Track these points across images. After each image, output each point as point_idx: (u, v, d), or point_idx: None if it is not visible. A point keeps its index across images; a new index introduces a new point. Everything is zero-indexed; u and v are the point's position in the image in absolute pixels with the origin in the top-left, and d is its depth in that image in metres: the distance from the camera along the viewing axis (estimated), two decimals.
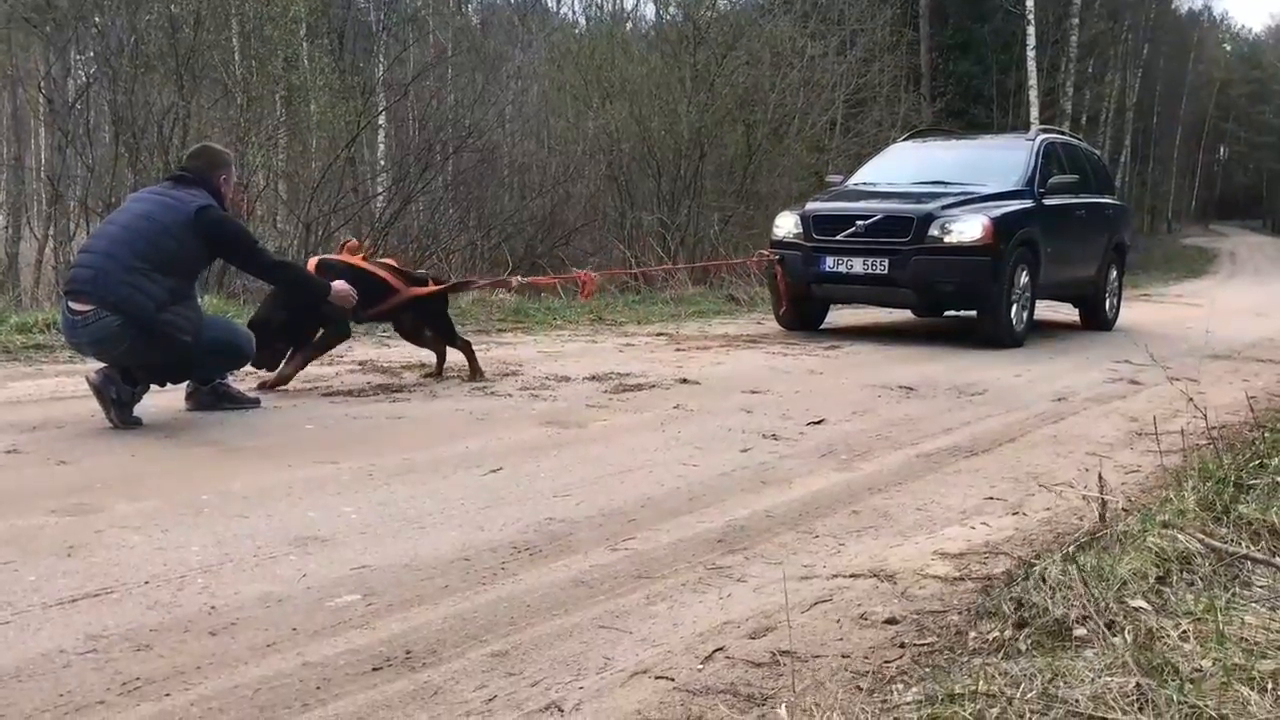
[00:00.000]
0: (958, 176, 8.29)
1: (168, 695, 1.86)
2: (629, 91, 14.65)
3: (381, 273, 4.98)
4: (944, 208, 7.53)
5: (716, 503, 3.22)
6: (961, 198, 7.72)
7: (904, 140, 10.19)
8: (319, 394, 4.76)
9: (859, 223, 7.54)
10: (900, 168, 8.97)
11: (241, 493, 3.10)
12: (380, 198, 13.15)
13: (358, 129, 12.67)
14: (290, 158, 13.54)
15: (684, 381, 5.42)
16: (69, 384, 4.69)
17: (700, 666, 2.07)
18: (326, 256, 4.99)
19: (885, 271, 7.43)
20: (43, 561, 2.47)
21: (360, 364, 5.67)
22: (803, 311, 8.38)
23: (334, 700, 1.87)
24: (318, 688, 1.92)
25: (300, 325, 4.72)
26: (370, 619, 2.24)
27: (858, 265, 7.53)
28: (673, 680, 2.01)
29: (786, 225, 8.11)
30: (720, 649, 2.16)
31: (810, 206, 8.13)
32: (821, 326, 8.60)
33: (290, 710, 1.83)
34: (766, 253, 8.31)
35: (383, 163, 15.41)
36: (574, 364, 5.96)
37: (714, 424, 4.36)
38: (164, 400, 4.31)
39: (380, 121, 15.19)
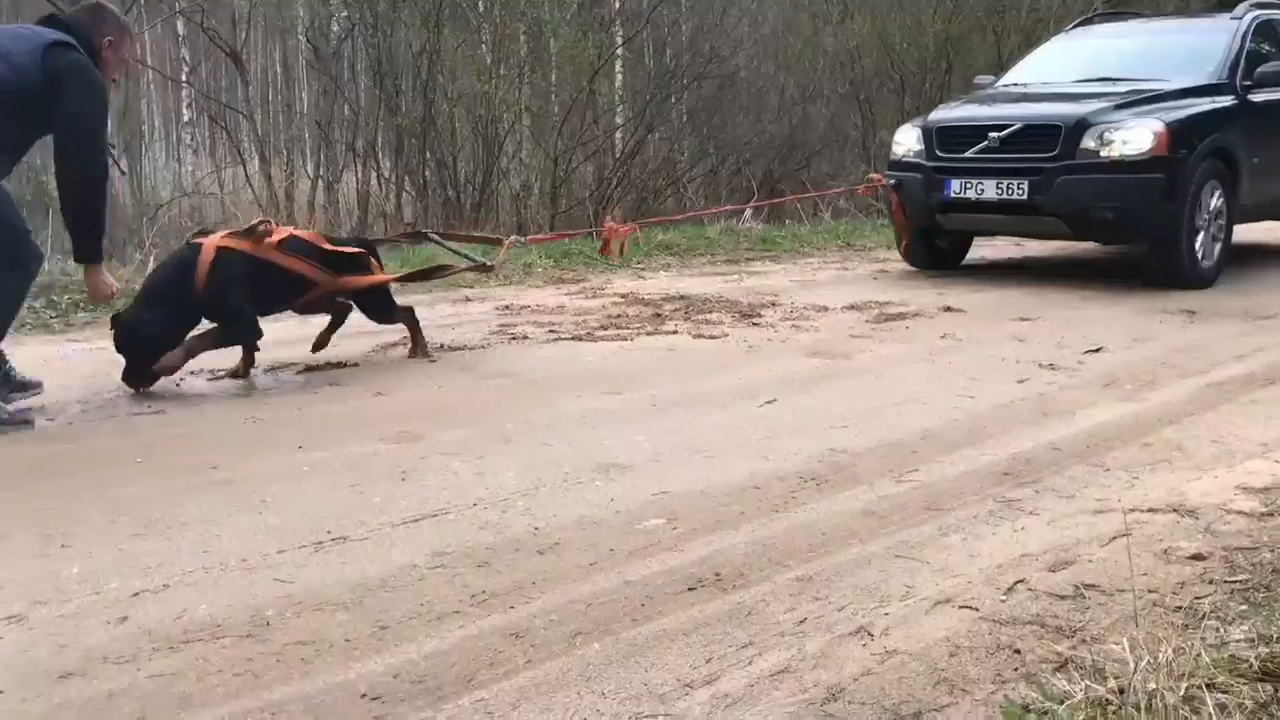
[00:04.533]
0: (1134, 71, 6.63)
1: (512, 607, 2.07)
2: (870, 3, 14.22)
3: (295, 264, 3.97)
4: (1104, 111, 6.00)
5: (998, 435, 3.20)
6: (1131, 98, 6.14)
7: (1072, 28, 8.19)
8: (592, 325, 4.99)
9: (992, 135, 6.16)
10: (1064, 63, 7.27)
11: (541, 422, 3.34)
12: (619, 130, 13.40)
13: (599, 62, 12.90)
14: (534, 93, 13.96)
15: (948, 309, 5.34)
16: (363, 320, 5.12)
17: (1003, 598, 2.11)
18: (224, 240, 3.82)
19: (1024, 196, 6.00)
20: (381, 485, 2.76)
21: (622, 296, 5.88)
22: (932, 246, 7.01)
23: (659, 616, 2.03)
24: (642, 604, 2.09)
25: (175, 326, 3.75)
26: (678, 542, 2.39)
27: (990, 189, 6.12)
28: (977, 610, 2.06)
29: (907, 141, 6.72)
30: (1021, 581, 2.19)
31: (935, 116, 6.77)
32: (965, 262, 7.28)
33: (621, 624, 2.00)
34: (877, 177, 7.02)
35: (620, 94, 15.66)
36: (830, 293, 5.97)
37: (985, 353, 4.30)
38: (468, 335, 4.65)
39: (617, 53, 15.40)
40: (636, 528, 2.47)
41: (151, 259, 6.58)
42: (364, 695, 1.75)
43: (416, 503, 2.62)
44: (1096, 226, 6.11)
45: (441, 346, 4.48)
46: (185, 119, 23.87)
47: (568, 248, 7.45)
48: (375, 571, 2.22)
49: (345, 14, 12.84)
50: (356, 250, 4.24)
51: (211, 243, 3.78)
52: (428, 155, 11.46)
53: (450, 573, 2.22)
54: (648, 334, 4.76)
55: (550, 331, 4.82)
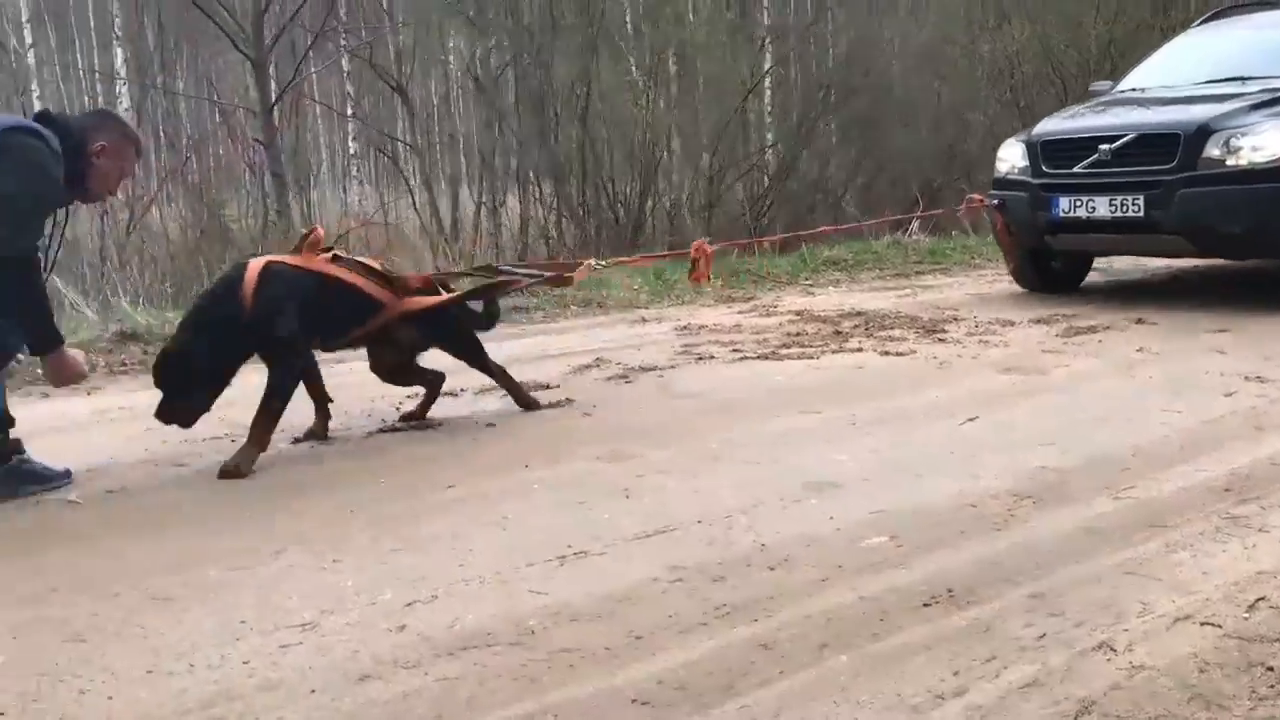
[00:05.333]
0: (1270, 69, 5.93)
1: (755, 620, 2.18)
2: (1028, 7, 13.93)
3: (357, 279, 3.59)
4: (1230, 115, 5.43)
5: (1211, 451, 3.16)
6: (1264, 98, 5.54)
7: (1201, 22, 7.32)
8: (774, 344, 5.08)
9: (1103, 147, 5.63)
10: (1190, 62, 6.59)
11: (744, 441, 3.45)
12: (770, 148, 13.48)
13: (752, 81, 13.02)
14: (685, 114, 14.16)
15: (1139, 322, 5.24)
16: (556, 342, 5.35)
17: (1246, 615, 2.11)
18: (275, 258, 3.50)
19: (1141, 213, 5.47)
20: (606, 502, 2.92)
21: (797, 314, 5.96)
22: (1044, 266, 6.44)
23: (898, 631, 2.11)
24: (880, 619, 2.17)
25: (225, 362, 3.39)
26: (904, 559, 2.46)
27: (1102, 206, 5.60)
28: (1220, 627, 2.07)
29: (1010, 157, 6.23)
30: (1262, 598, 2.18)
31: (1041, 129, 6.24)
32: (1084, 284, 6.69)
33: (861, 638, 2.09)
34: (978, 197, 6.38)
35: (770, 110, 15.74)
36: (1012, 306, 5.93)
37: (1186, 366, 4.22)
38: (655, 356, 4.81)
39: (766, 69, 15.48)
40: (860, 545, 2.56)
41: None
42: (634, 700, 1.89)
43: (642, 520, 2.76)
44: (1224, 243, 5.60)
45: (636, 368, 4.64)
46: (351, 151, 25.03)
47: (734, 265, 7.56)
48: (619, 585, 2.37)
49: (506, 42, 13.30)
50: (422, 277, 3.90)
51: (260, 260, 3.46)
52: (585, 179, 11.76)
53: (689, 586, 2.35)
54: (833, 352, 4.83)
55: (734, 351, 4.94)
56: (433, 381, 3.95)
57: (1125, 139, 5.65)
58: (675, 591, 2.33)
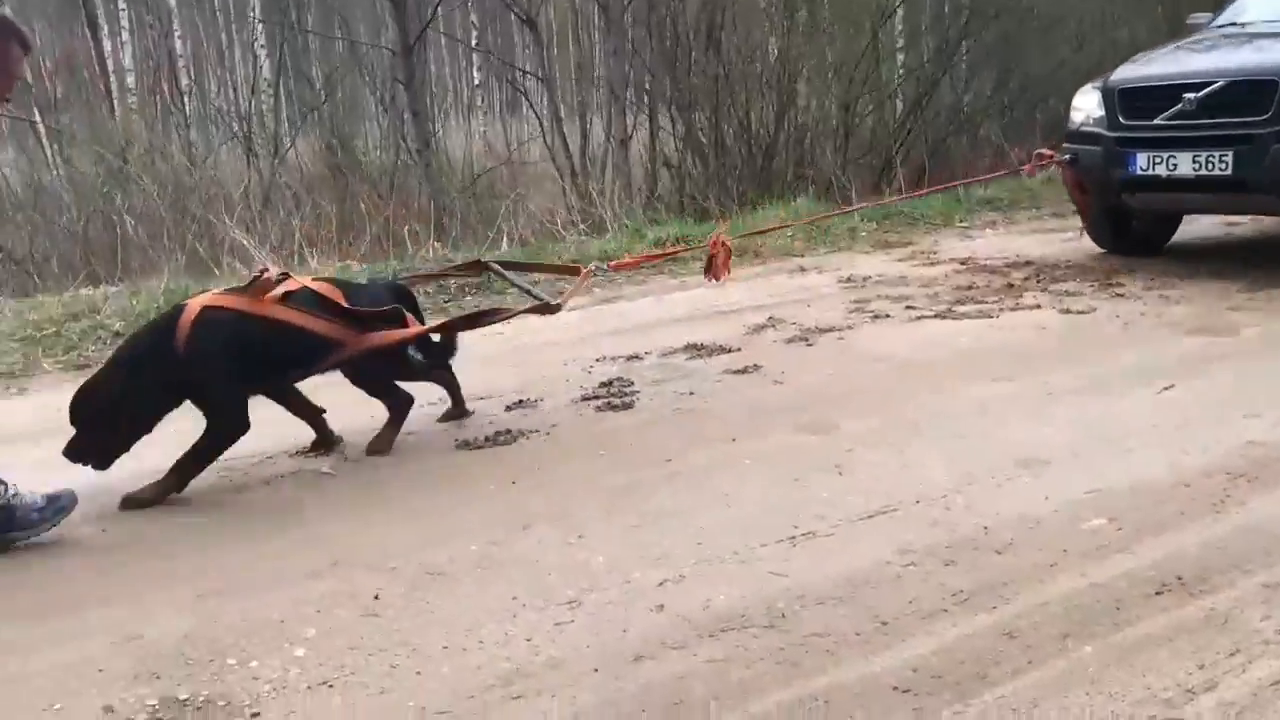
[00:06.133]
0: None
1: (993, 607, 2.30)
2: None
3: (307, 320, 3.28)
4: None
5: None
6: None
7: None
8: (946, 300, 5.10)
9: (1187, 96, 5.05)
10: None
11: (942, 411, 3.54)
12: (901, 75, 13.17)
13: (889, 7, 12.73)
14: (814, 40, 13.90)
15: None
16: (719, 295, 5.45)
17: None
18: (214, 299, 3.24)
19: (1228, 171, 4.93)
20: (820, 478, 3.05)
21: (962, 263, 5.95)
22: (1124, 226, 5.91)
23: (1137, 621, 2.21)
24: (1116, 608, 2.27)
25: (150, 408, 3.16)
26: (1127, 543, 2.55)
27: (1184, 164, 5.05)
28: None
29: (1086, 106, 5.64)
30: None
31: (1119, 74, 5.61)
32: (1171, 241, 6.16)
33: (1103, 627, 2.19)
34: (1048, 152, 5.83)
35: (901, 35, 15.32)
36: (1184, 256, 5.80)
37: None
38: (829, 315, 4.90)
39: None
40: (1080, 528, 2.64)
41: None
42: (894, 688, 2.04)
43: (862, 498, 2.89)
44: None
45: (813, 328, 4.73)
46: (476, 83, 25.27)
47: (888, 210, 7.53)
48: (854, 567, 2.51)
49: None
50: (383, 309, 3.49)
51: (198, 302, 3.20)
52: (718, 109, 11.69)
53: (923, 570, 2.48)
54: (1010, 310, 4.83)
55: (908, 308, 4.98)
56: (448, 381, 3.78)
57: (1213, 86, 5.03)
58: (909, 576, 2.46)
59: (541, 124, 15.35)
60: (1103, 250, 6.10)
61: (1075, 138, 5.68)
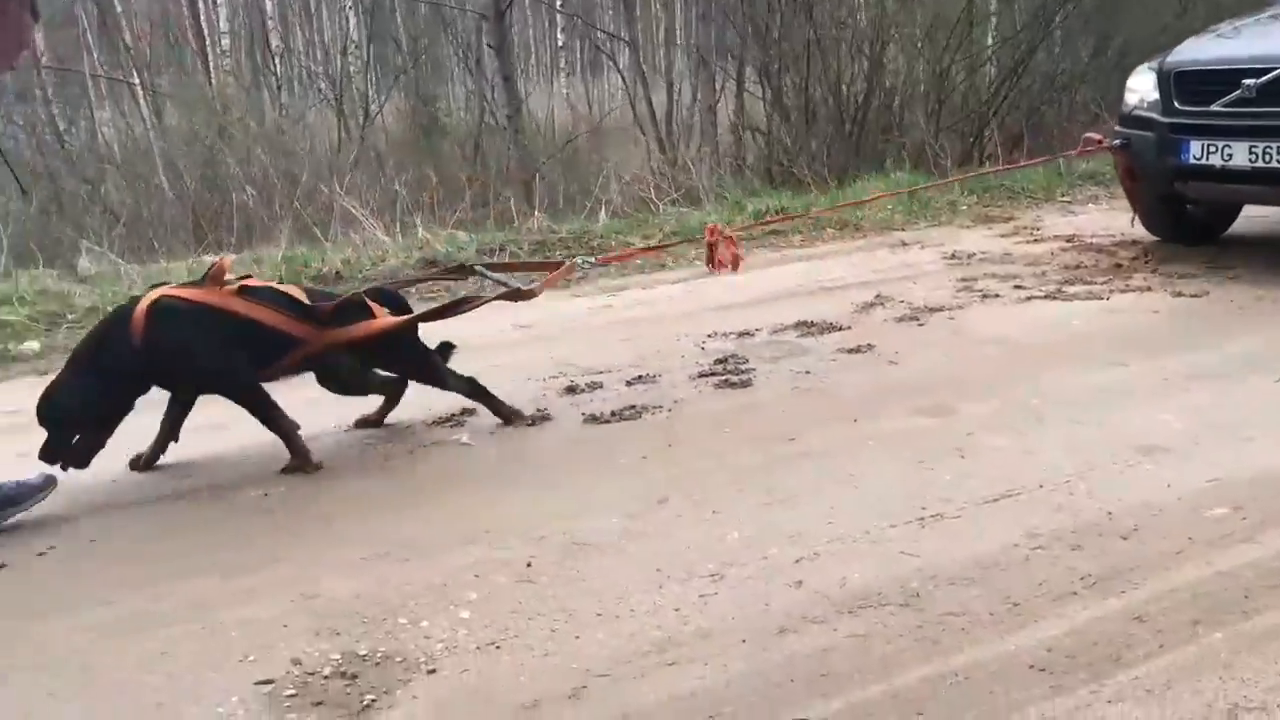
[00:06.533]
0: None
1: (1122, 592, 2.40)
2: None
3: (266, 314, 3.24)
4: None
5: None
6: None
7: None
8: (1055, 280, 5.12)
9: (1246, 81, 4.74)
10: None
11: (1059, 395, 3.60)
12: (995, 43, 12.96)
13: None
14: (906, 5, 13.73)
15: None
16: (822, 270, 5.53)
17: None
18: (170, 293, 3.21)
19: None
20: (944, 461, 3.14)
21: (1068, 240, 5.94)
22: (1179, 213, 5.64)
23: (1266, 610, 2.29)
24: (1244, 596, 2.35)
25: (118, 405, 3.21)
26: (1252, 533, 2.61)
27: (1240, 154, 4.77)
28: None
29: (1141, 88, 5.35)
30: None
31: (1176, 55, 5.29)
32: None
33: (1232, 616, 2.28)
34: (1097, 137, 5.56)
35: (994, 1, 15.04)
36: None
37: None
38: (939, 294, 4.95)
39: None
40: (1204, 516, 2.72)
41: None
42: (1031, 667, 2.15)
43: (985, 482, 2.98)
44: None
45: (922, 307, 4.80)
46: (560, 44, 25.34)
47: (988, 183, 7.51)
48: (982, 549, 2.62)
49: None
50: (346, 299, 3.45)
51: (152, 294, 3.18)
52: (809, 73, 11.64)
53: (1050, 554, 2.58)
54: (1120, 291, 4.85)
55: (1016, 288, 5.02)
56: (394, 392, 3.70)
57: (1276, 72, 4.70)
58: (1038, 559, 2.56)
59: (627, 88, 15.40)
60: (1156, 239, 5.88)
61: (1128, 121, 5.44)
